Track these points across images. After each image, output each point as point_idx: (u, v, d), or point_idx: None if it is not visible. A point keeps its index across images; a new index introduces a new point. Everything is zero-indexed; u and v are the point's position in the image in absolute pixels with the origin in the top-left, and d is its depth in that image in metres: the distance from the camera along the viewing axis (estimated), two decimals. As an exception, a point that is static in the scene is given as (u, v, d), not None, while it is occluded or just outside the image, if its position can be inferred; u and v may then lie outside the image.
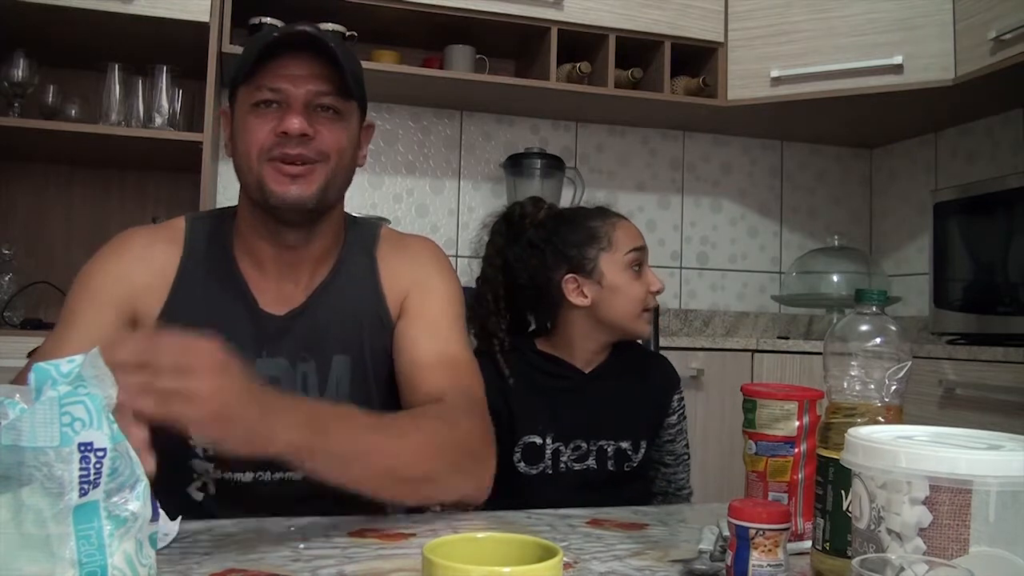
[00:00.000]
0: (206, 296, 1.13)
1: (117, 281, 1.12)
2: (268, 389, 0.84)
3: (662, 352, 1.55)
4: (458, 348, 1.16)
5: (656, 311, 1.47)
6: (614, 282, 1.33)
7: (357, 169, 1.19)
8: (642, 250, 1.36)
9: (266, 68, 1.07)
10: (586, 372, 1.36)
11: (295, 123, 1.06)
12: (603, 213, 1.39)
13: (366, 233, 1.23)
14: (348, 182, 1.17)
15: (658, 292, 1.35)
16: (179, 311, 1.11)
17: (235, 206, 1.21)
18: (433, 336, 1.15)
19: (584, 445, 1.32)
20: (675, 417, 1.42)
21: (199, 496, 1.11)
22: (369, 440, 0.92)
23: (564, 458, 1.32)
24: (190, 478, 1.11)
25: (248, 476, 1.10)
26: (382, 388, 1.17)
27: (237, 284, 1.14)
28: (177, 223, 1.19)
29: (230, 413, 0.78)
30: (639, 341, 1.45)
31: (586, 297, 1.34)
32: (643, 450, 1.36)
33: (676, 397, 1.43)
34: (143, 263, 1.13)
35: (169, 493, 1.05)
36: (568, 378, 1.35)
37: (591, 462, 1.33)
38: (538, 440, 1.31)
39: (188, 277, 1.14)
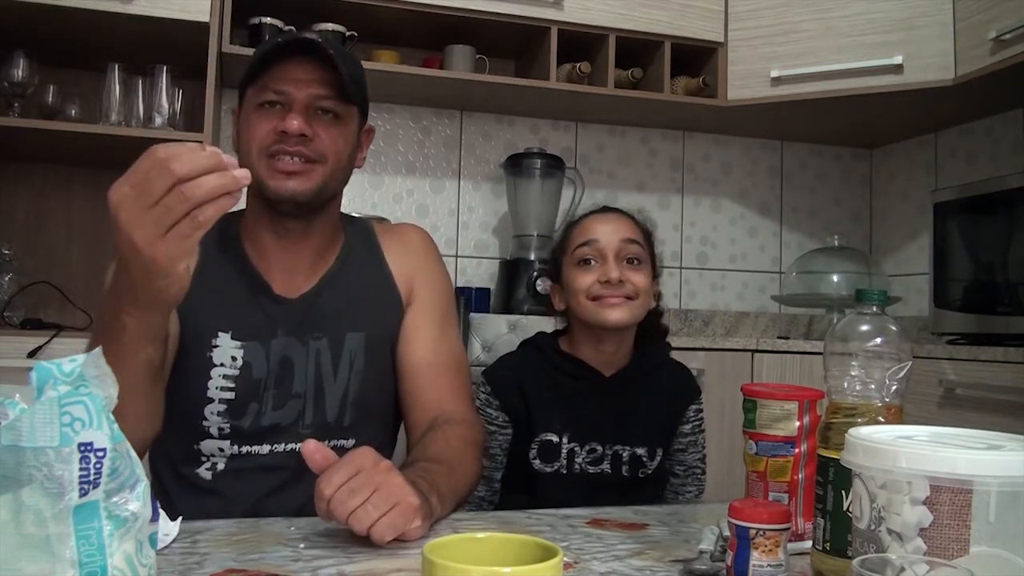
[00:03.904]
0: (223, 282, 1.18)
1: None
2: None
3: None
4: (457, 346, 1.30)
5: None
6: (567, 281, 1.34)
7: (357, 169, 1.25)
8: (589, 244, 1.32)
9: (272, 71, 1.12)
10: (606, 376, 1.35)
11: (294, 123, 1.11)
12: (584, 216, 1.39)
13: (362, 227, 1.32)
14: (345, 182, 1.23)
15: (607, 282, 1.29)
16: (200, 295, 1.14)
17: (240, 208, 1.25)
18: (439, 336, 1.26)
19: (599, 448, 1.32)
20: (688, 426, 1.40)
21: (208, 475, 1.17)
22: (451, 489, 1.03)
23: (579, 459, 1.32)
24: (199, 461, 1.17)
25: (265, 448, 1.17)
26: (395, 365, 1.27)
27: (249, 273, 1.21)
28: None
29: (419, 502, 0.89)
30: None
31: (562, 303, 1.37)
32: (658, 458, 1.35)
33: (693, 408, 1.41)
34: None
35: (180, 477, 1.16)
36: (587, 380, 1.34)
37: (605, 466, 1.32)
38: (554, 438, 1.31)
39: (202, 267, 1.16)
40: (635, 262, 1.32)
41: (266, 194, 1.14)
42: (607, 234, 1.32)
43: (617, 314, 1.30)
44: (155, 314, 0.90)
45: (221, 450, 1.16)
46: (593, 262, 1.32)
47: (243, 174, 0.78)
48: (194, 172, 0.76)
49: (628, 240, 1.32)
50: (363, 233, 1.30)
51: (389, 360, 1.25)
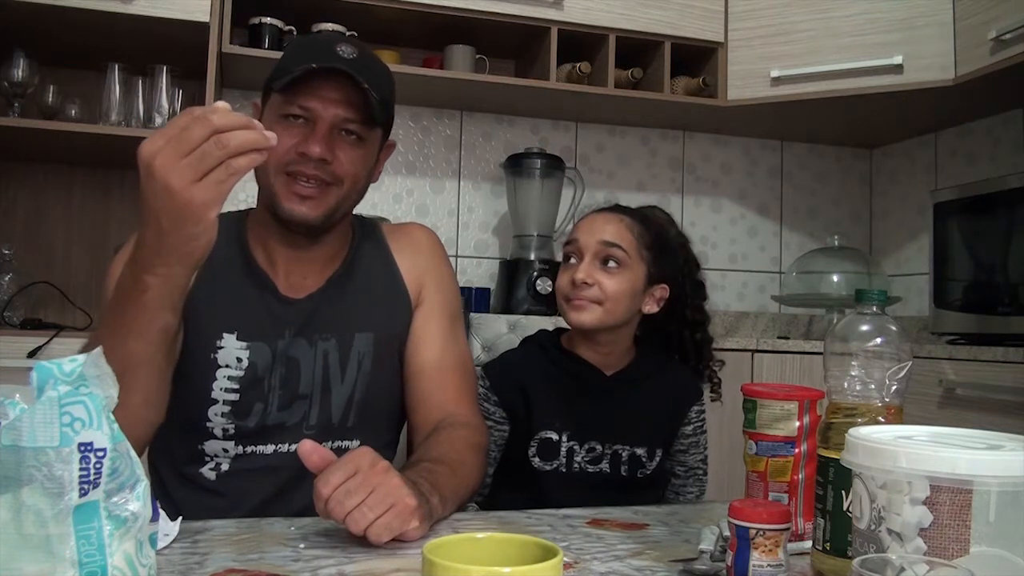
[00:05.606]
0: (229, 282, 1.18)
1: None
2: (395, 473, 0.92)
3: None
4: (465, 350, 1.31)
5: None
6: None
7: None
8: (571, 243, 1.32)
9: (300, 85, 1.11)
10: (607, 375, 1.35)
11: (316, 148, 1.11)
12: (585, 215, 1.38)
13: (370, 227, 1.32)
14: (359, 200, 1.23)
15: (575, 283, 1.28)
16: (205, 296, 1.15)
17: (246, 210, 1.28)
18: (447, 339, 1.27)
19: (599, 447, 1.32)
20: (690, 428, 1.39)
21: (212, 476, 1.17)
22: (453, 490, 1.03)
23: (578, 458, 1.31)
24: (203, 461, 1.17)
25: (270, 448, 1.17)
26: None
27: (256, 273, 1.21)
28: None
29: (417, 503, 0.89)
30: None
31: None
32: (658, 458, 1.35)
33: (695, 409, 1.40)
34: None
35: (184, 478, 1.17)
36: (587, 379, 1.34)
37: (604, 465, 1.32)
38: (554, 436, 1.31)
39: (209, 266, 1.17)
40: (611, 263, 1.29)
41: (278, 212, 1.14)
42: (588, 234, 1.31)
43: (582, 317, 1.29)
44: (179, 268, 0.91)
45: (225, 450, 1.16)
46: (573, 260, 1.32)
47: (272, 135, 0.84)
48: (230, 125, 0.82)
49: (606, 243, 1.29)
50: (371, 233, 1.30)
51: (396, 361, 1.25)
